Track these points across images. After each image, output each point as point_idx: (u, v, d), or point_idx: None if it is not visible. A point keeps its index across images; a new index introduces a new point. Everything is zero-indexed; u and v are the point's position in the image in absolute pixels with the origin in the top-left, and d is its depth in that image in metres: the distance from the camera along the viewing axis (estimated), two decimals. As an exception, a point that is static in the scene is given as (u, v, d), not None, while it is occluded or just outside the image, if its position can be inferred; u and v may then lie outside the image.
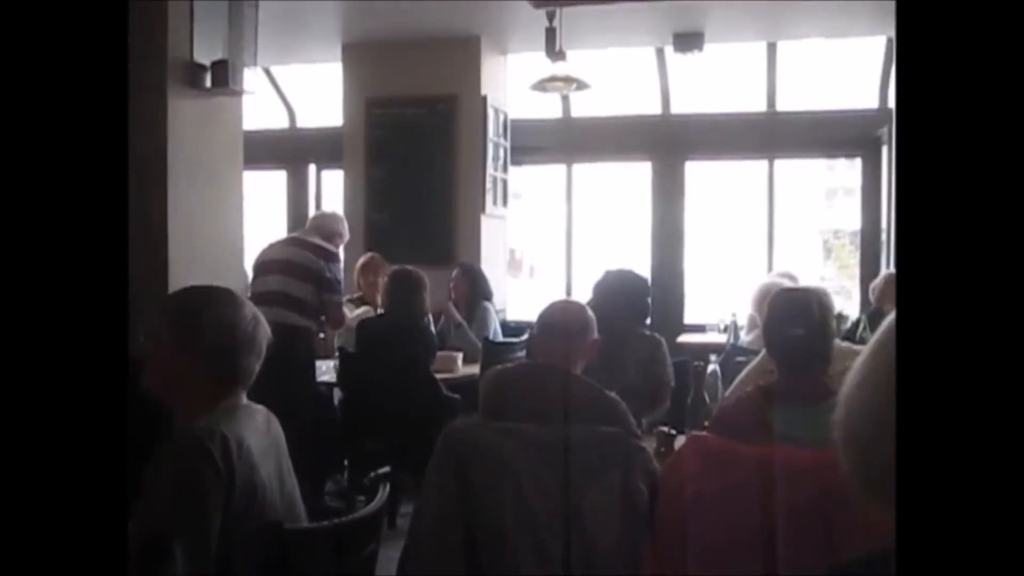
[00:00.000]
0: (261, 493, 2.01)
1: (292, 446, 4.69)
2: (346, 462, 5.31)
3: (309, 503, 2.32)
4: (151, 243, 4.37)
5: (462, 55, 7.28)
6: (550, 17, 5.59)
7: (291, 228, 7.51)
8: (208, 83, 4.70)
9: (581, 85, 6.03)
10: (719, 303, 7.35)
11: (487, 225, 7.42)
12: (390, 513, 4.48)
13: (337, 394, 5.19)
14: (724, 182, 8.67)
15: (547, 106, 8.03)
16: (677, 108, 8.02)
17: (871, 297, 5.44)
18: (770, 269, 7.57)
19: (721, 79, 7.97)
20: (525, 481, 2.43)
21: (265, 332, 2.18)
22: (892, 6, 6.04)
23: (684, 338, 6.92)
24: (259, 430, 2.13)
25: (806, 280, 5.30)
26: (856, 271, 8.14)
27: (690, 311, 7.99)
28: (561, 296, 7.32)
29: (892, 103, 7.19)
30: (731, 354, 4.84)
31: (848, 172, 9.99)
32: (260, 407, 2.22)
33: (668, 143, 8.01)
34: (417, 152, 7.38)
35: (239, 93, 4.93)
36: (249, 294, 5.07)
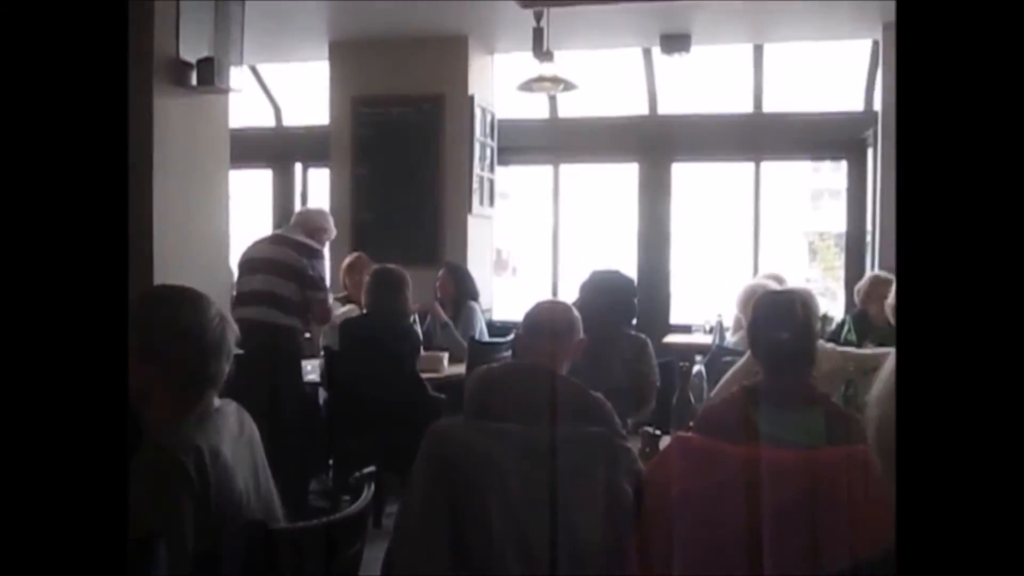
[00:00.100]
0: (237, 501, 1.98)
1: (277, 445, 4.67)
2: (331, 461, 5.30)
3: (294, 503, 2.31)
4: (136, 241, 4.35)
5: (449, 55, 7.28)
6: (537, 17, 5.59)
7: (277, 227, 7.49)
8: (194, 81, 4.68)
9: (568, 86, 6.04)
10: (705, 304, 7.37)
11: (473, 225, 7.42)
12: (375, 513, 4.47)
13: (322, 393, 5.18)
14: (710, 183, 8.70)
15: (534, 106, 8.03)
16: (664, 109, 8.04)
17: (856, 299, 5.46)
18: (756, 270, 7.60)
19: (708, 81, 7.99)
20: (510, 481, 2.43)
21: (234, 332, 2.12)
22: (877, 9, 6.09)
23: (670, 339, 6.94)
24: (232, 433, 2.08)
25: (792, 282, 5.32)
26: (841, 273, 8.17)
27: (676, 312, 8.01)
28: (547, 296, 7.33)
29: (878, 105, 7.22)
30: (717, 355, 4.85)
31: (833, 174, 10.03)
32: (231, 404, 2.17)
33: (655, 144, 8.03)
34: (404, 151, 7.37)
35: (225, 91, 4.91)
36: (234, 293, 5.06)
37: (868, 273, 6.15)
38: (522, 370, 2.75)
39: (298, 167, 8.88)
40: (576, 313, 2.91)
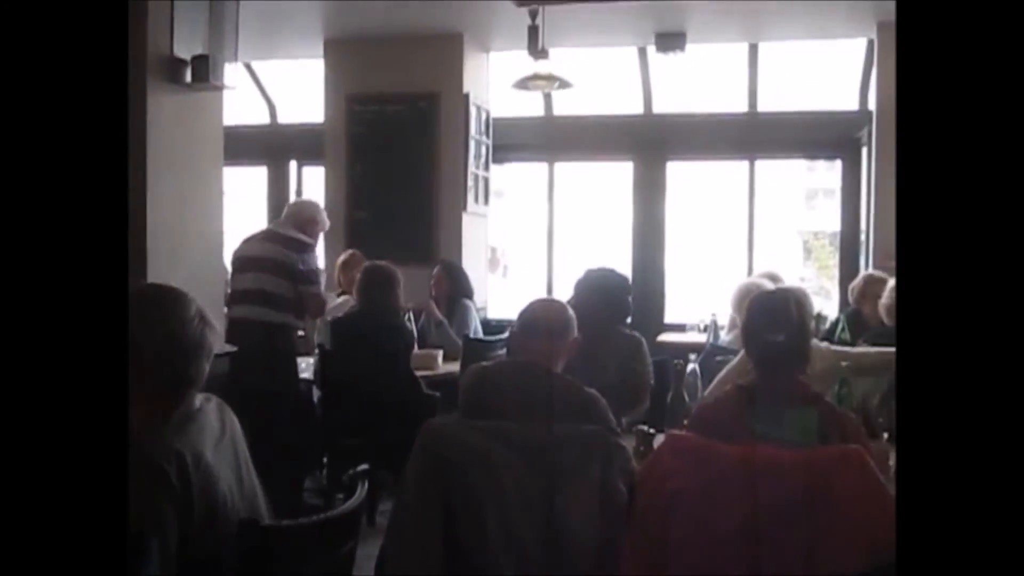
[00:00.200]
0: (221, 503, 1.96)
1: (271, 443, 4.67)
2: (325, 459, 5.29)
3: (288, 500, 2.31)
4: (130, 238, 4.33)
5: (444, 52, 7.27)
6: (533, 15, 5.59)
7: (271, 224, 7.48)
8: (188, 78, 4.68)
9: (563, 84, 6.03)
10: (699, 303, 7.38)
11: (468, 223, 7.42)
12: (369, 510, 4.47)
13: (316, 391, 5.17)
14: (705, 182, 8.70)
15: (529, 104, 8.03)
16: (659, 108, 8.04)
17: (850, 298, 5.46)
18: (750, 269, 7.61)
19: (703, 79, 8.00)
20: (505, 478, 2.43)
21: (215, 331, 2.09)
22: (872, 8, 6.09)
23: (664, 337, 6.94)
24: (214, 434, 2.06)
25: (786, 281, 5.32)
26: (835, 272, 8.19)
27: (670, 310, 8.01)
28: (542, 295, 7.33)
29: (872, 105, 7.23)
30: (711, 353, 4.86)
31: (828, 173, 10.04)
32: (212, 401, 2.14)
33: (649, 143, 8.03)
34: (398, 149, 7.36)
35: (220, 88, 4.91)
36: (228, 291, 5.06)
37: (862, 272, 6.16)
38: (517, 368, 2.75)
39: (293, 165, 8.87)
40: (571, 312, 2.90)
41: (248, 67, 8.26)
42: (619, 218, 8.22)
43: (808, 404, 2.57)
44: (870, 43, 7.23)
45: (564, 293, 4.07)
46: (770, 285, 4.35)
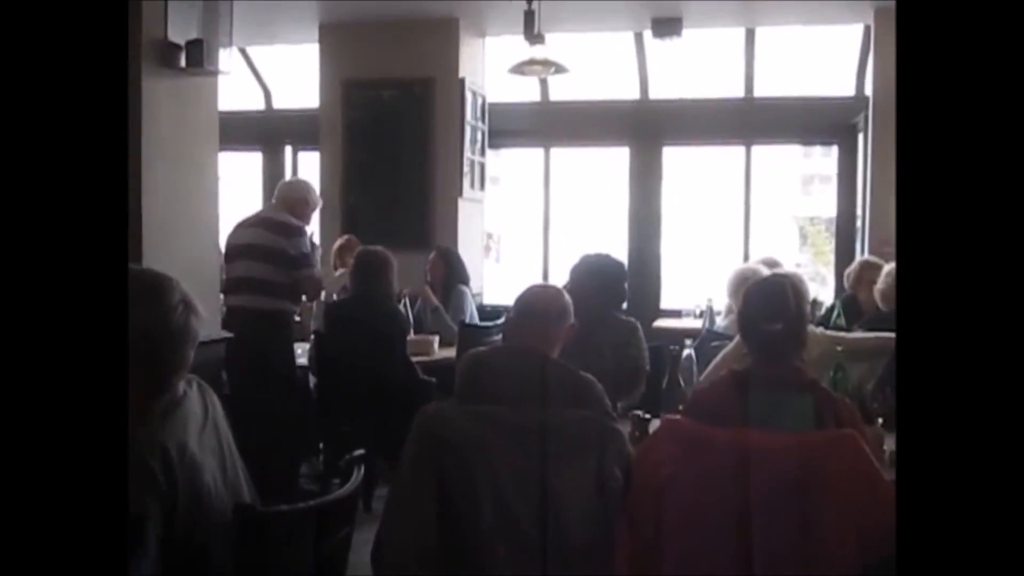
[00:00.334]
0: (205, 492, 1.95)
1: (268, 429, 4.68)
2: (321, 445, 5.30)
3: (285, 486, 2.30)
4: (125, 225, 4.33)
5: (440, 37, 7.24)
6: (529, 0, 5.57)
7: (267, 210, 7.46)
8: (183, 63, 4.65)
9: (559, 69, 6.01)
10: (695, 288, 7.38)
11: (464, 209, 7.41)
12: (365, 496, 4.48)
13: (312, 377, 5.18)
14: (701, 168, 8.70)
15: (525, 90, 8.01)
16: (655, 93, 8.02)
17: (845, 283, 5.47)
18: (746, 255, 7.61)
19: (699, 65, 7.98)
20: (500, 464, 2.43)
21: (200, 316, 2.04)
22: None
23: (660, 323, 6.95)
24: (197, 421, 2.04)
25: (784, 267, 5.32)
26: (831, 258, 8.19)
27: (666, 296, 8.02)
28: (538, 280, 7.33)
29: (869, 91, 7.22)
30: (706, 339, 4.86)
31: (824, 159, 10.04)
32: (194, 383, 2.11)
33: (646, 128, 8.01)
34: (394, 135, 7.34)
35: (214, 73, 4.88)
36: (223, 278, 5.05)
37: (858, 258, 6.16)
38: (513, 353, 2.75)
39: (288, 150, 8.85)
40: (567, 298, 2.90)
41: (243, 52, 8.23)
42: (615, 204, 8.21)
43: (804, 390, 2.58)
44: (867, 29, 7.22)
45: (560, 279, 4.08)
46: (766, 271, 4.35)
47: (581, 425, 2.51)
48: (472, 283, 6.46)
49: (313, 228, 6.33)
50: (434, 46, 7.25)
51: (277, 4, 6.75)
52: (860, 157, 7.53)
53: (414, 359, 5.01)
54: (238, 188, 8.44)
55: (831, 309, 5.49)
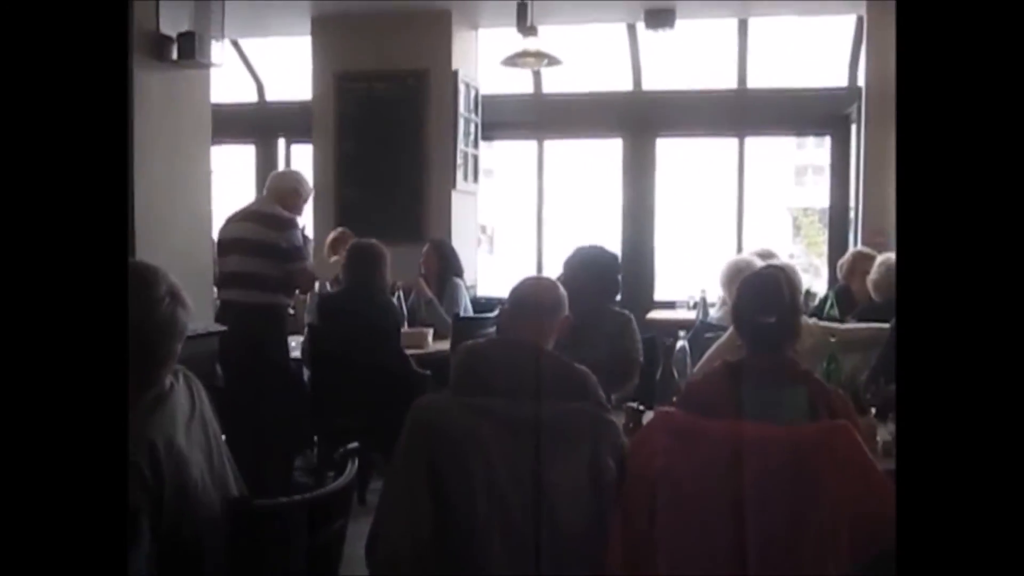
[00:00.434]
0: (193, 487, 1.94)
1: (263, 423, 4.67)
2: (315, 438, 5.30)
3: (279, 479, 2.30)
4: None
5: (433, 29, 7.23)
6: (521, -8, 5.56)
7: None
8: (175, 55, 4.64)
9: (552, 61, 6.00)
10: (689, 280, 7.39)
11: (458, 201, 7.40)
12: (360, 488, 4.48)
13: (306, 370, 5.17)
14: (694, 159, 8.70)
15: (518, 82, 8.00)
16: (648, 85, 8.02)
17: (838, 274, 5.48)
18: (740, 246, 7.62)
19: (692, 56, 7.98)
20: (495, 456, 2.44)
21: (188, 308, 2.00)
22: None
23: (654, 314, 6.95)
24: (185, 415, 2.02)
25: (778, 258, 5.32)
26: (824, 248, 8.20)
27: (660, 288, 8.03)
28: (532, 273, 7.33)
29: (862, 81, 7.23)
30: (700, 330, 4.86)
31: (817, 150, 10.06)
32: (180, 375, 2.08)
33: (639, 120, 8.01)
34: (387, 127, 7.33)
35: (207, 66, 4.87)
36: (216, 272, 5.04)
37: (851, 249, 6.17)
38: (507, 346, 2.75)
39: (281, 143, 8.83)
40: (562, 290, 2.90)
41: (235, 44, 8.20)
42: (609, 195, 8.21)
43: (797, 381, 2.58)
44: (859, 20, 7.22)
45: (554, 271, 4.07)
46: (759, 262, 4.35)
47: (575, 417, 2.51)
48: (466, 275, 6.46)
49: (306, 221, 6.31)
50: (427, 38, 7.24)
51: (269, -4, 6.73)
52: (853, 148, 7.54)
53: (408, 352, 5.00)
54: (231, 181, 8.42)
55: (824, 300, 5.50)
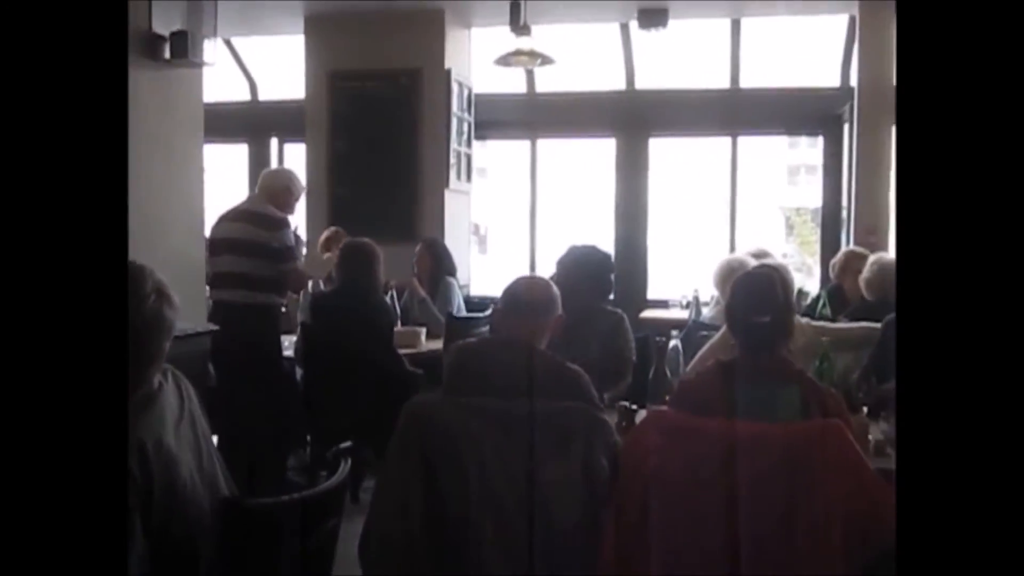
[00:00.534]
0: (181, 487, 1.94)
1: (255, 422, 4.66)
2: (308, 437, 5.30)
3: (272, 478, 2.30)
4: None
5: (426, 28, 7.23)
6: (515, -9, 5.56)
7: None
8: (167, 54, 4.63)
9: (546, 60, 6.01)
10: (682, 279, 7.39)
11: (451, 200, 7.40)
12: (352, 488, 4.48)
13: (299, 369, 5.17)
14: (687, 158, 8.71)
15: (512, 81, 8.00)
16: (641, 84, 8.02)
17: (831, 274, 5.49)
18: (732, 245, 7.63)
19: (685, 56, 7.98)
20: (487, 455, 2.44)
21: (175, 306, 1.99)
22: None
23: (647, 314, 6.96)
24: (174, 414, 2.01)
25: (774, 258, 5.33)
26: (817, 248, 8.22)
27: (653, 287, 8.03)
28: (525, 272, 7.32)
29: (854, 81, 7.24)
30: (693, 330, 4.87)
31: (810, 150, 10.07)
32: (170, 375, 2.08)
33: (632, 119, 8.02)
34: (380, 126, 7.33)
35: (199, 65, 4.86)
36: (209, 271, 5.04)
37: (843, 248, 6.19)
38: (500, 345, 2.75)
39: (274, 142, 8.81)
40: (555, 290, 2.90)
41: (228, 43, 8.18)
42: (602, 195, 8.22)
43: (790, 380, 2.58)
44: (852, 20, 7.23)
45: (547, 270, 4.07)
46: (752, 261, 4.36)
47: (568, 416, 2.51)
48: (459, 274, 6.46)
49: (299, 220, 6.31)
50: (420, 37, 7.24)
51: (262, -5, 6.72)
52: (845, 147, 7.56)
53: (401, 351, 5.00)
54: (224, 180, 8.41)
55: (817, 299, 5.51)
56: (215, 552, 1.98)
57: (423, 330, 5.51)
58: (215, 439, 2.25)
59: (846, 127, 7.54)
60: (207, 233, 5.10)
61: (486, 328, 5.16)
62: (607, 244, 6.85)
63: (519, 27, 5.68)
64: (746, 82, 7.85)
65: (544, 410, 2.48)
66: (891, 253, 5.02)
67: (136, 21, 4.42)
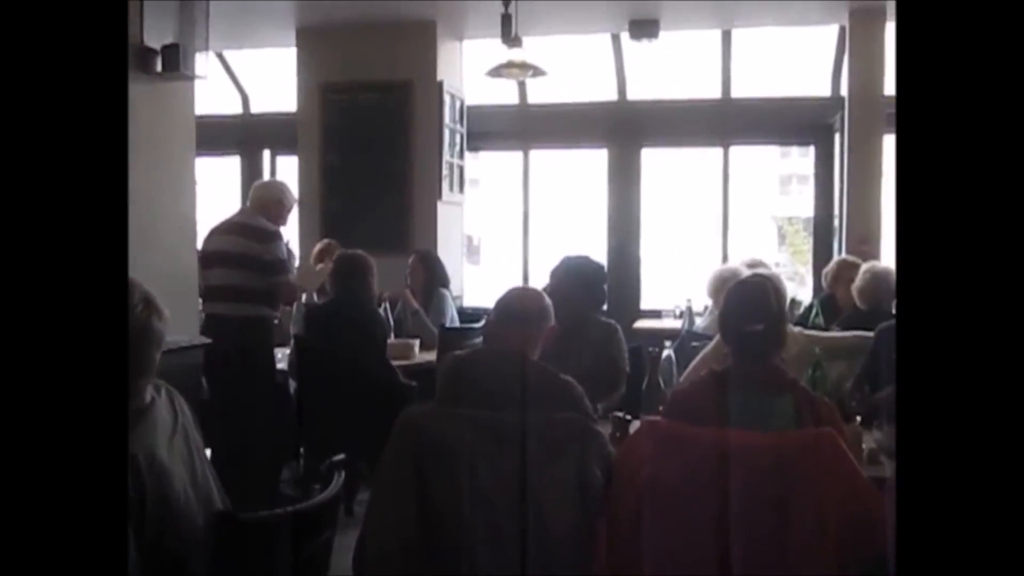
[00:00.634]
0: (175, 501, 1.93)
1: (249, 435, 4.65)
2: (302, 449, 5.28)
3: (265, 491, 2.29)
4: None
5: (418, 40, 7.24)
6: (506, 3, 5.56)
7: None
8: (159, 67, 4.63)
9: (537, 72, 6.02)
10: (675, 289, 7.41)
11: (443, 212, 7.41)
12: (346, 500, 4.46)
13: (292, 381, 5.16)
14: (679, 169, 8.73)
15: (503, 92, 8.01)
16: (633, 95, 8.05)
17: (824, 283, 5.51)
18: (725, 255, 7.65)
19: (676, 66, 8.01)
20: (481, 467, 2.43)
21: (164, 317, 1.99)
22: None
23: (640, 324, 6.97)
24: (167, 429, 2.00)
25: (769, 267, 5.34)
26: (809, 257, 8.24)
27: (646, 297, 8.04)
28: (518, 283, 7.33)
29: (844, 91, 7.27)
30: (686, 339, 4.88)
31: (801, 159, 10.10)
32: (163, 389, 2.07)
33: (624, 130, 8.04)
34: (373, 138, 7.33)
35: (191, 78, 4.86)
36: (201, 284, 5.03)
37: (836, 257, 6.20)
38: (493, 356, 2.75)
39: (266, 154, 8.82)
40: (548, 301, 2.90)
41: (220, 56, 8.19)
42: (594, 205, 8.23)
43: (783, 389, 2.59)
44: (842, 30, 7.27)
45: (540, 281, 4.08)
46: (746, 271, 4.37)
47: (562, 427, 2.51)
48: (452, 286, 6.46)
49: (291, 233, 6.30)
50: (412, 49, 7.25)
51: (254, 8, 6.72)
52: (837, 157, 7.58)
53: (395, 363, 5.00)
54: (216, 193, 8.40)
55: (809, 308, 5.53)
56: (208, 566, 1.97)
57: (416, 342, 5.50)
58: (208, 452, 2.24)
59: (837, 136, 7.57)
60: (199, 246, 5.10)
61: (479, 339, 5.15)
62: (600, 254, 6.86)
63: (511, 39, 5.69)
64: (737, 92, 7.88)
65: (537, 421, 2.48)
66: (883, 262, 5.03)
67: (128, 34, 4.43)
